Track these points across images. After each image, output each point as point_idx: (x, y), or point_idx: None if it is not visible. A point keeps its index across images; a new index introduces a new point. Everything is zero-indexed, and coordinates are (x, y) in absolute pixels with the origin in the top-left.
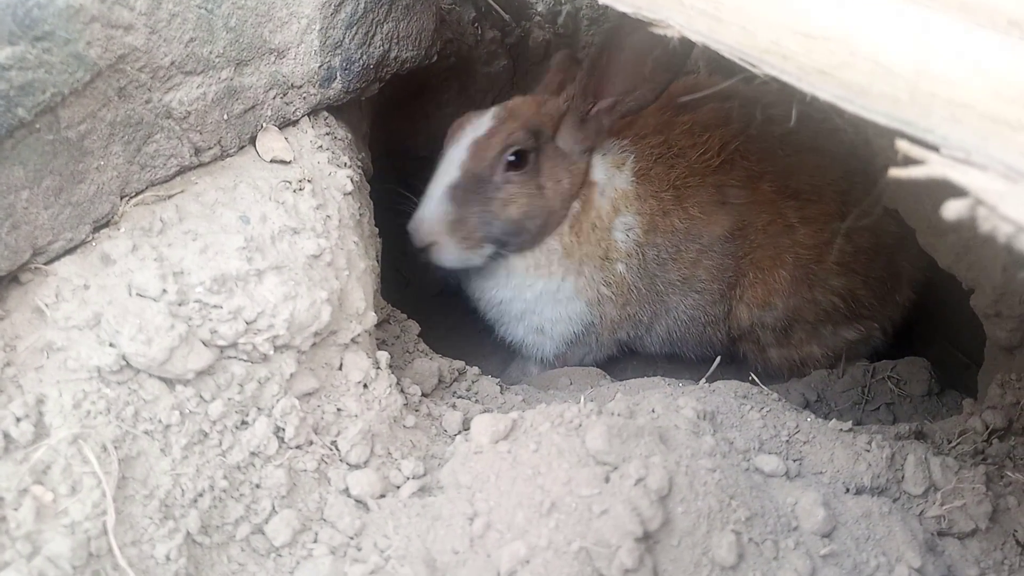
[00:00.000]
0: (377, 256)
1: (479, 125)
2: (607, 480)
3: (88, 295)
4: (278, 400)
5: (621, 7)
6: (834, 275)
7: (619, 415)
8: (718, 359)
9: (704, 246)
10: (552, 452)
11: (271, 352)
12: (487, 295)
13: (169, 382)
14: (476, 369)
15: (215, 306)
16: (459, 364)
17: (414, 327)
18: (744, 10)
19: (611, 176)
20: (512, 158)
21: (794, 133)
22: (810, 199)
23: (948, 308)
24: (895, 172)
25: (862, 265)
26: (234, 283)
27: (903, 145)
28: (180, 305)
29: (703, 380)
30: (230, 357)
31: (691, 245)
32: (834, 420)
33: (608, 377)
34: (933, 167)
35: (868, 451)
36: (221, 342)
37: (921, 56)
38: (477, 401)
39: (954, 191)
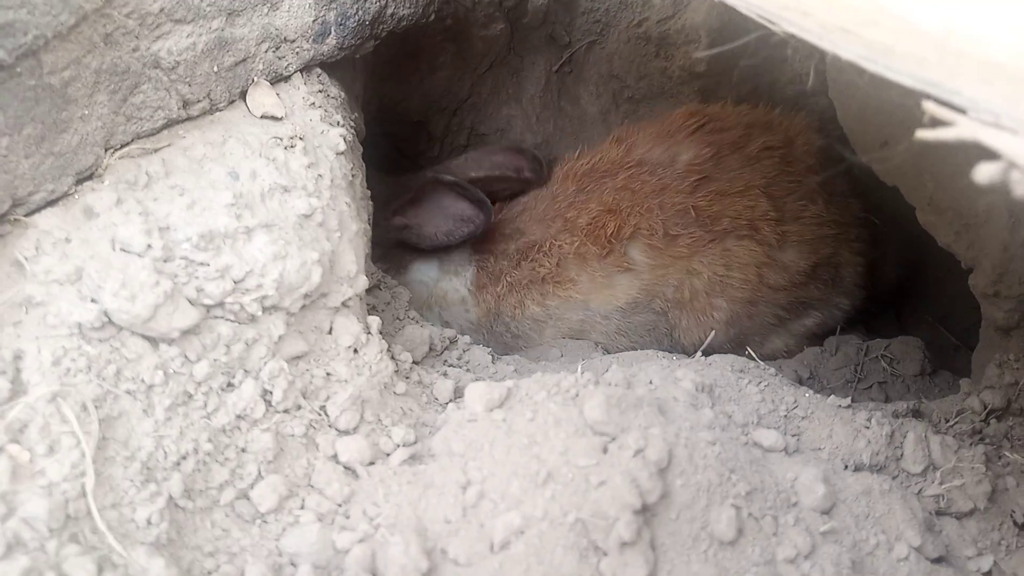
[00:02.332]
0: (369, 219)
1: None
2: (605, 451)
3: (70, 249)
4: (266, 363)
5: None
6: (772, 300)
7: (617, 385)
8: (712, 333)
9: (592, 315)
10: (549, 421)
11: (259, 313)
12: None
13: (153, 341)
14: (467, 338)
15: (202, 263)
16: (450, 332)
17: (404, 293)
18: None
19: (436, 278)
20: None
21: (709, 180)
22: (740, 238)
23: (937, 290)
24: (923, 134)
25: (801, 283)
26: (222, 240)
27: (930, 107)
28: (165, 261)
29: (698, 353)
30: (216, 317)
31: (569, 316)
32: (832, 396)
33: (601, 349)
34: (962, 129)
35: (867, 428)
36: (207, 301)
37: (951, 13)
38: (468, 370)
39: (983, 154)
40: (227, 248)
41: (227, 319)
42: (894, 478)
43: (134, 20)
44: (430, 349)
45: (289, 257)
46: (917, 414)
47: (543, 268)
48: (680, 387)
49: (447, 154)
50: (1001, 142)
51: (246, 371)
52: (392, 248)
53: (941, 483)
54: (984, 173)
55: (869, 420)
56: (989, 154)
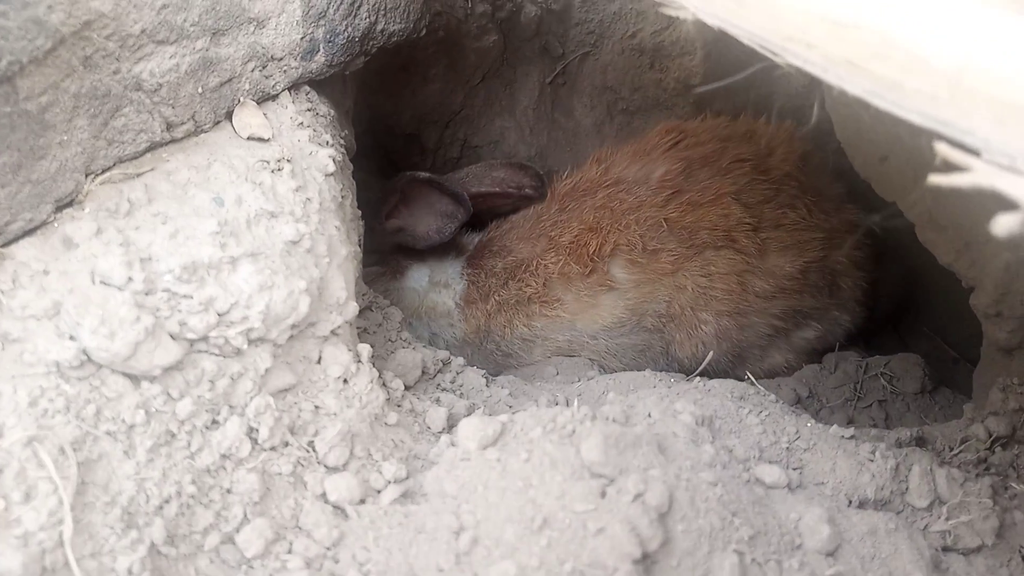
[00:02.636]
0: (359, 240)
1: None
2: (603, 495)
3: (48, 282)
4: (252, 398)
5: None
6: (763, 309)
7: (614, 420)
8: (710, 354)
9: (578, 335)
10: (545, 463)
11: (245, 346)
12: None
13: (134, 378)
14: (460, 360)
15: (185, 296)
16: (443, 354)
17: (396, 314)
18: None
19: (427, 289)
20: None
21: (682, 193)
22: (719, 249)
23: (936, 302)
24: (935, 179)
25: (793, 289)
26: (206, 271)
27: (942, 149)
28: (147, 295)
29: (695, 376)
30: (200, 351)
31: (556, 337)
32: (835, 426)
33: (597, 366)
34: (978, 175)
35: (872, 461)
36: (191, 335)
37: (964, 50)
38: (462, 395)
39: (1000, 202)
40: (211, 279)
41: (211, 353)
42: (899, 513)
43: (114, 42)
44: (422, 373)
45: (276, 287)
46: (921, 442)
47: (530, 288)
48: (679, 421)
49: (440, 167)
50: (1019, 188)
51: (231, 407)
52: (391, 253)
53: (948, 518)
54: (1003, 225)
55: (873, 453)
56: (1006, 201)
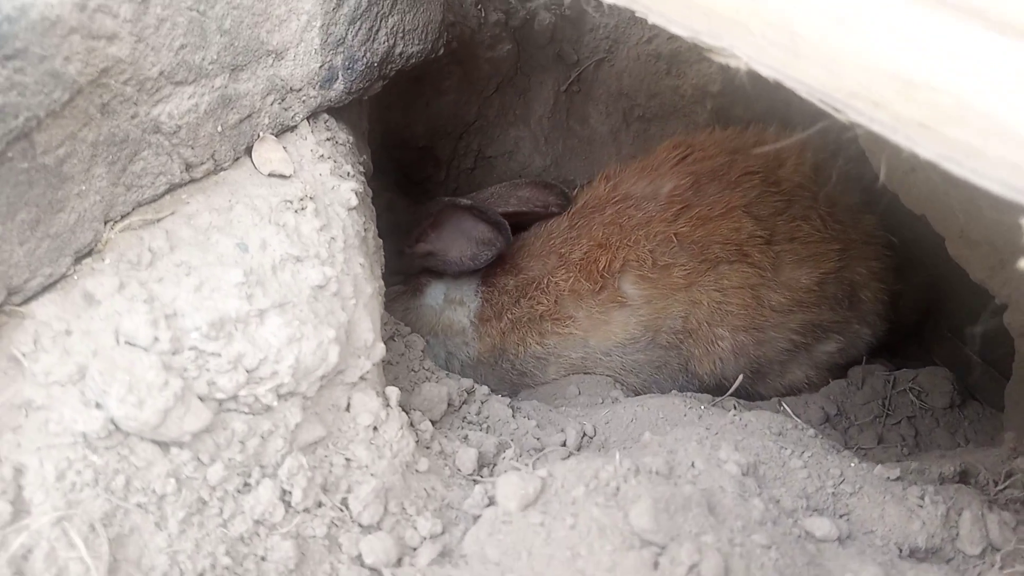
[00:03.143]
0: (382, 269)
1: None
2: (656, 566)
3: (71, 343)
4: (284, 457)
5: (675, 30)
6: (780, 324)
7: (658, 473)
8: (740, 378)
9: (592, 352)
10: (592, 529)
11: (275, 403)
12: None
13: (163, 444)
14: (484, 389)
15: (213, 354)
16: (467, 383)
17: (418, 342)
18: (828, 46)
19: (442, 307)
20: None
21: (691, 207)
22: (732, 264)
23: (962, 309)
24: None
25: (810, 301)
26: (233, 326)
27: None
28: (174, 354)
29: (725, 398)
30: (229, 410)
31: (570, 355)
32: (879, 467)
33: (619, 385)
34: None
35: (921, 507)
36: (220, 395)
37: None
38: (488, 428)
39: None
40: (239, 334)
41: (241, 411)
42: (949, 561)
43: (132, 87)
44: (448, 405)
45: (305, 338)
46: (964, 476)
47: (541, 305)
48: (726, 472)
49: (454, 178)
50: None
51: (262, 468)
52: (417, 275)
53: (1002, 567)
54: None
55: (922, 498)
56: None
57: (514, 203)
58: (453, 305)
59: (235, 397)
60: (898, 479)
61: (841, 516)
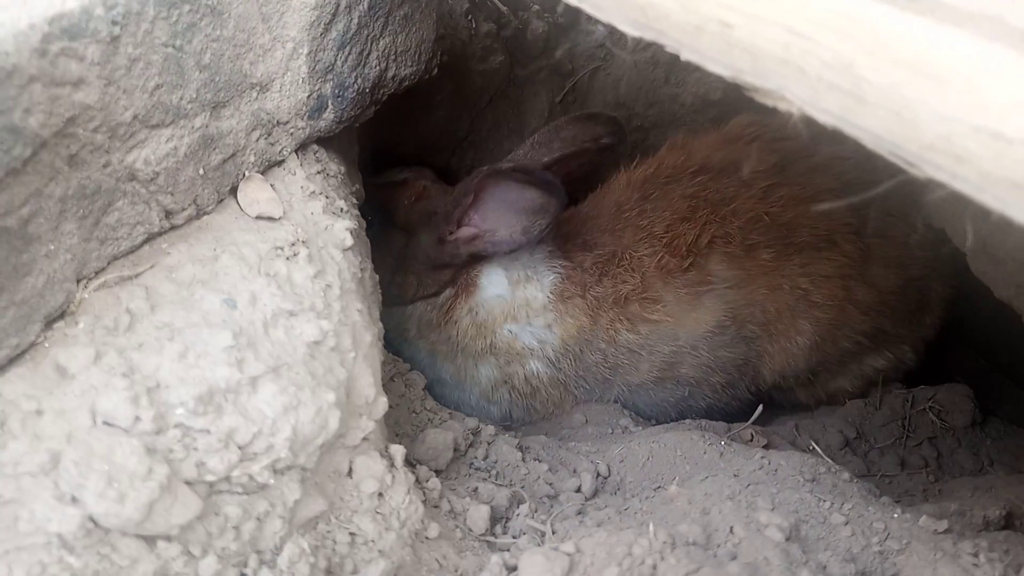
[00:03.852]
0: (379, 308)
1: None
2: None
3: (42, 427)
4: (283, 541)
5: (714, 68)
6: (858, 322)
7: (695, 543)
8: (759, 408)
9: (681, 346)
10: None
11: (271, 481)
12: None
13: (149, 538)
14: (491, 429)
15: (201, 431)
16: (472, 423)
17: (419, 380)
18: (900, 93)
19: (511, 289)
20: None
21: (779, 186)
22: (820, 251)
23: (986, 325)
24: None
25: (890, 305)
26: (223, 397)
27: None
28: (158, 434)
29: (746, 426)
30: (222, 492)
31: (660, 349)
32: (924, 517)
33: (628, 414)
34: None
35: (976, 566)
36: (211, 477)
37: None
38: (498, 475)
39: None
40: (229, 406)
41: (234, 492)
42: None
43: (103, 134)
44: (454, 451)
45: (302, 405)
46: (1010, 520)
47: (626, 285)
48: (768, 539)
49: None
50: None
51: (259, 555)
52: (465, 266)
53: None
54: None
55: (976, 555)
56: None
57: (559, 146)
58: (521, 283)
59: (227, 478)
60: (947, 532)
61: None
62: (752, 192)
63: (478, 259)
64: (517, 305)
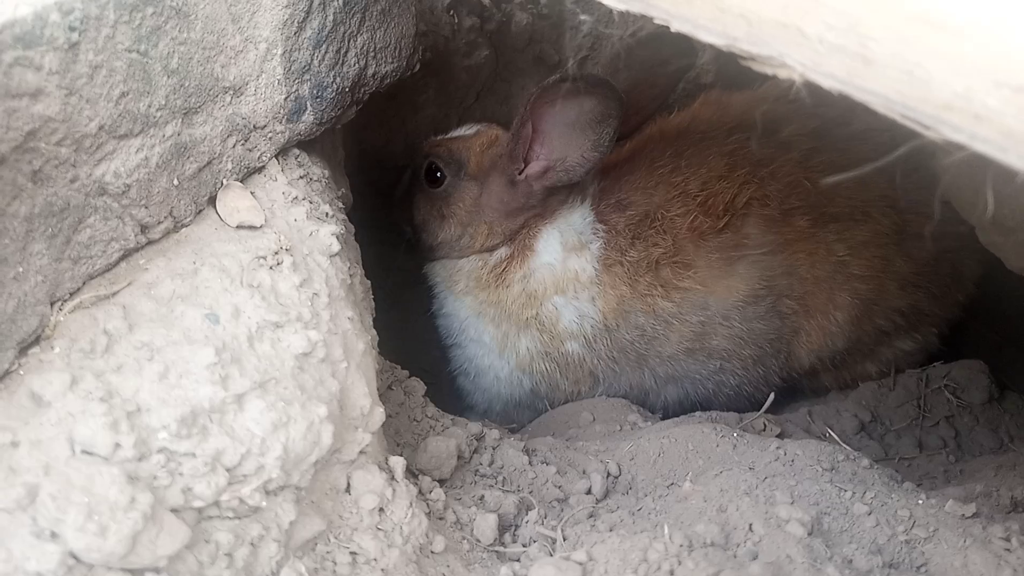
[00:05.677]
0: (372, 314)
1: (470, 126)
2: None
3: (17, 459)
4: (279, 566)
5: (706, 37)
6: (896, 297)
7: (713, 544)
8: (771, 396)
9: (712, 316)
10: None
11: (263, 503)
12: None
13: (136, 571)
14: (495, 433)
15: (186, 454)
16: (475, 428)
17: (419, 387)
18: (911, 50)
19: (563, 257)
20: (431, 171)
21: (819, 151)
22: (856, 222)
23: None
24: None
25: (926, 278)
26: (207, 418)
27: None
28: (140, 461)
29: (759, 416)
30: (211, 518)
31: (690, 318)
32: (951, 502)
33: (637, 409)
34: None
35: (1009, 551)
36: (198, 503)
37: None
38: (504, 480)
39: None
40: (215, 427)
41: (225, 517)
42: None
43: (67, 147)
44: (458, 459)
45: (292, 421)
46: None
47: (658, 248)
48: (790, 535)
49: None
50: None
51: None
52: (542, 203)
53: None
54: None
55: (1008, 539)
56: None
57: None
58: (573, 252)
59: (216, 503)
60: (975, 516)
61: (919, 568)
62: (791, 155)
63: (555, 193)
64: (567, 277)
